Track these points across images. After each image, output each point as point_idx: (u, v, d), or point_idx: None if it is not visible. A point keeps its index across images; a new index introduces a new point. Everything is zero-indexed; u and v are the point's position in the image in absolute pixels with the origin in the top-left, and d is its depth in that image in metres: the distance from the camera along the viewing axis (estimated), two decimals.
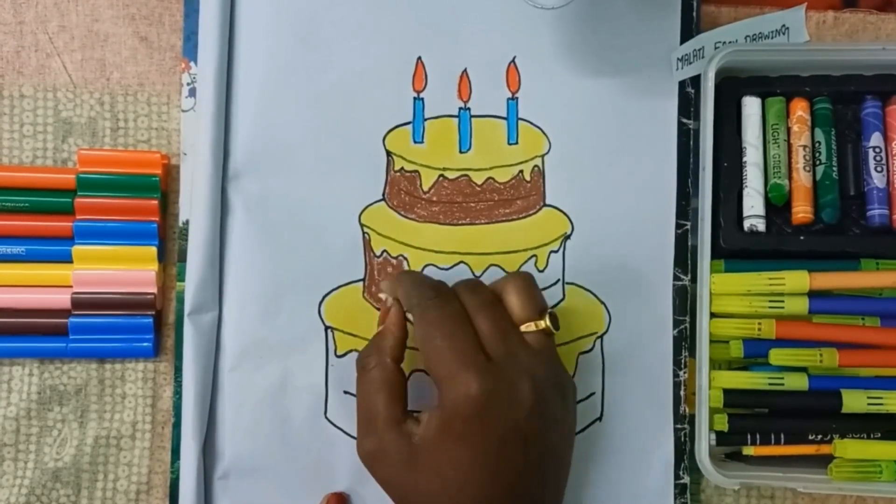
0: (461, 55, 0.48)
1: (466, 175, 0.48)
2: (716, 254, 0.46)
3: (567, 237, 0.48)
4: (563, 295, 0.48)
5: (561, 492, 0.41)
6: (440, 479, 0.38)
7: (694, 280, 0.48)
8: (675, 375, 0.48)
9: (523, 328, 0.41)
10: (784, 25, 0.46)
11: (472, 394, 0.38)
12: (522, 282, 0.42)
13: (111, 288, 0.47)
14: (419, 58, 0.48)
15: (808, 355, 0.45)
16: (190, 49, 0.48)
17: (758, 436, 0.46)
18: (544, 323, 0.41)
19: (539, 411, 0.39)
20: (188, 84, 0.48)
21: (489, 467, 0.38)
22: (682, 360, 0.48)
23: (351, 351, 0.47)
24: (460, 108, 0.48)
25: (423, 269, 0.47)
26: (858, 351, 0.46)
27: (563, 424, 0.41)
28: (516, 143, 0.48)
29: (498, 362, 0.39)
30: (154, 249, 0.47)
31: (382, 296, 0.45)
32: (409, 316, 0.42)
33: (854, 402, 0.45)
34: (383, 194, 0.48)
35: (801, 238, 0.46)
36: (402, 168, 0.48)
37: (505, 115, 0.48)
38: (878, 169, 0.46)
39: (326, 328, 0.47)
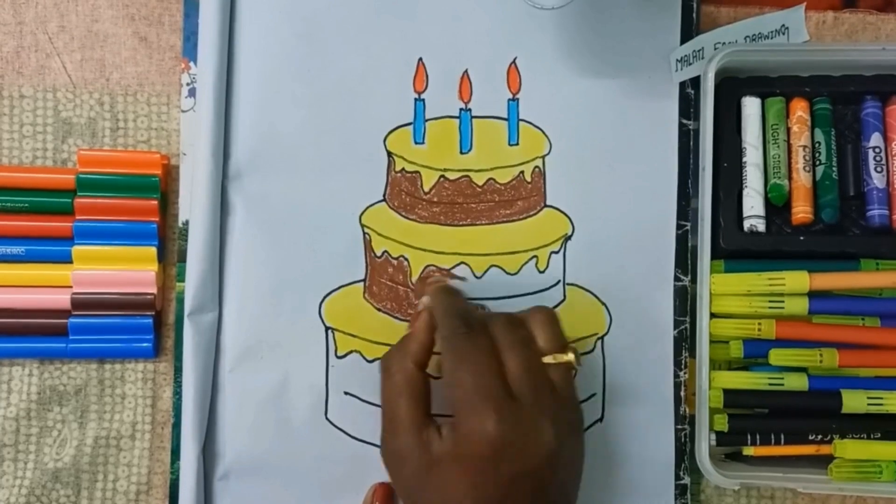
0: (462, 56, 0.48)
1: (467, 176, 0.48)
2: (716, 254, 0.46)
3: (568, 238, 0.48)
4: (564, 296, 0.48)
5: None
6: (446, 499, 0.38)
7: (694, 280, 0.48)
8: (676, 376, 0.48)
9: (546, 359, 0.40)
10: (784, 25, 0.46)
11: (489, 431, 0.37)
12: (548, 315, 0.42)
13: (111, 288, 0.47)
14: (420, 58, 0.48)
15: (808, 355, 0.45)
16: (190, 49, 0.48)
17: (758, 436, 0.46)
18: (567, 357, 0.40)
19: (556, 455, 0.38)
20: (188, 84, 0.48)
21: (496, 501, 0.38)
22: (683, 361, 0.48)
23: (351, 352, 0.47)
24: (461, 109, 0.48)
25: (423, 270, 0.47)
26: (858, 351, 0.46)
27: (575, 465, 0.41)
28: (517, 143, 0.48)
29: (522, 402, 0.38)
30: (154, 250, 0.47)
31: (418, 303, 0.44)
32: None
33: (854, 402, 0.45)
34: (384, 195, 0.48)
35: (801, 238, 0.46)
36: (402, 169, 0.48)
37: (506, 115, 0.48)
38: (878, 169, 0.46)
39: (327, 329, 0.47)
